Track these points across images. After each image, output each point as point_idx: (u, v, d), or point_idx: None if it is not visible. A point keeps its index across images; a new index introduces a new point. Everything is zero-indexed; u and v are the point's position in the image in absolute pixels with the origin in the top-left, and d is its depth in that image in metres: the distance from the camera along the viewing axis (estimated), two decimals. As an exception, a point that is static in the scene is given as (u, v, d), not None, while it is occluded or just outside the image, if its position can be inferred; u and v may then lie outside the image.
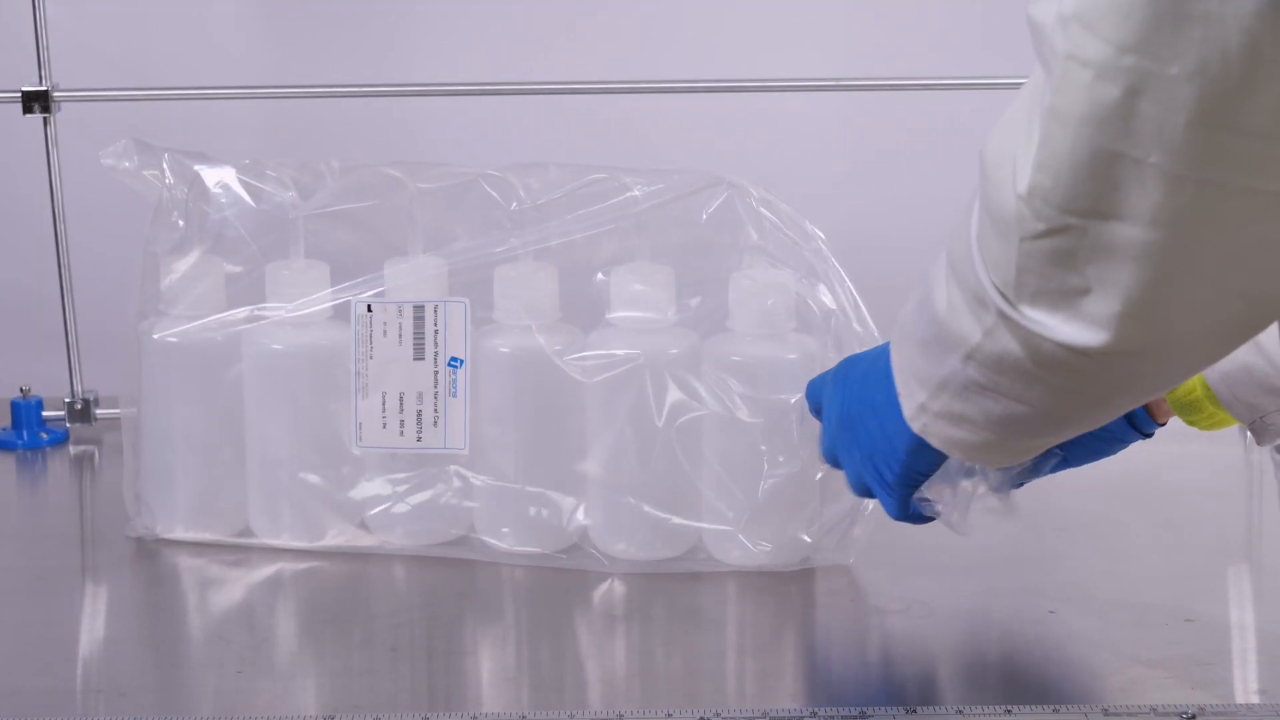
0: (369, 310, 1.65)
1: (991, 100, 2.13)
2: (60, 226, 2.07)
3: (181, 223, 1.70)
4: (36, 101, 2.03)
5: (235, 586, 1.66)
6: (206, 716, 1.39)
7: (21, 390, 2.10)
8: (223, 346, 1.69)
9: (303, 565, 1.69)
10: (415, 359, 1.64)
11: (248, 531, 1.73)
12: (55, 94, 2.04)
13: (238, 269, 1.70)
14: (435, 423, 1.64)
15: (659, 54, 2.36)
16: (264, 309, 1.68)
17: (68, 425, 2.12)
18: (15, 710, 1.39)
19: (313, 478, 1.68)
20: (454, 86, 2.11)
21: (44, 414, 2.11)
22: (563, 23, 2.40)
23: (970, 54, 2.33)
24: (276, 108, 2.35)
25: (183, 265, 1.69)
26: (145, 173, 1.71)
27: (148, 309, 1.72)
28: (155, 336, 1.70)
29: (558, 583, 1.61)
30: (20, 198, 2.35)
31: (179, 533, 1.73)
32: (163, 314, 1.71)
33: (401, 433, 1.65)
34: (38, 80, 2.03)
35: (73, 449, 2.08)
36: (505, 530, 1.66)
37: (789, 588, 1.60)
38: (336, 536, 1.70)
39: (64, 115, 2.05)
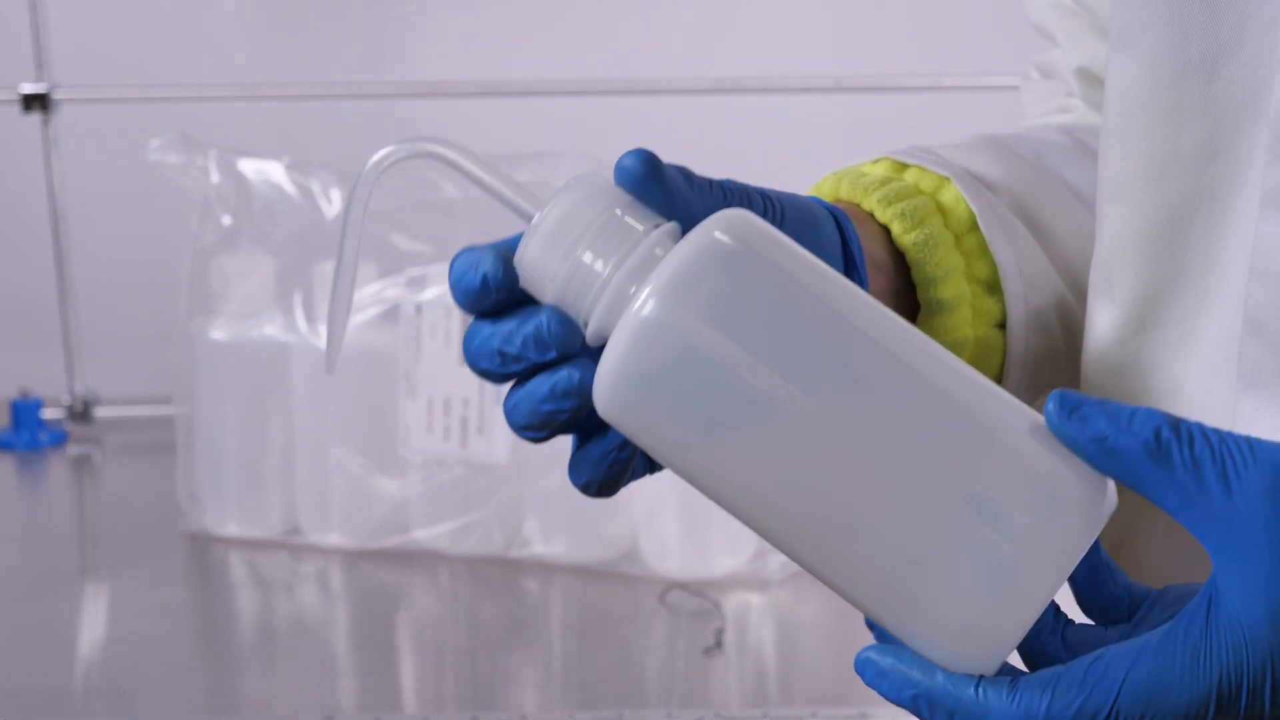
0: (418, 311, 1.65)
1: (996, 100, 2.13)
2: (60, 226, 2.07)
3: (227, 220, 1.70)
4: (36, 102, 2.03)
5: (240, 586, 1.67)
6: (206, 716, 1.39)
7: (22, 390, 2.10)
8: (274, 345, 1.70)
9: (314, 565, 1.69)
10: (461, 364, 1.64)
11: (297, 530, 1.74)
12: (55, 94, 2.04)
13: (285, 266, 1.70)
14: (480, 430, 1.64)
15: (661, 55, 2.37)
16: (313, 308, 1.68)
17: (68, 426, 2.12)
18: (15, 710, 1.39)
19: (361, 478, 1.69)
20: (454, 86, 2.11)
21: (44, 414, 2.11)
22: (564, 23, 2.40)
23: (973, 55, 2.33)
24: (276, 107, 2.35)
25: (232, 264, 1.69)
26: (191, 169, 1.71)
27: (197, 308, 1.72)
28: (207, 335, 1.70)
29: (603, 592, 1.61)
30: (20, 198, 2.36)
31: (231, 529, 1.74)
32: (213, 313, 1.71)
33: (446, 439, 1.65)
34: (38, 80, 2.03)
35: (72, 449, 2.08)
36: (557, 539, 1.66)
37: (788, 588, 1.60)
38: (383, 538, 1.70)
39: (64, 115, 2.05)
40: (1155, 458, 0.63)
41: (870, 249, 0.78)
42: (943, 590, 0.63)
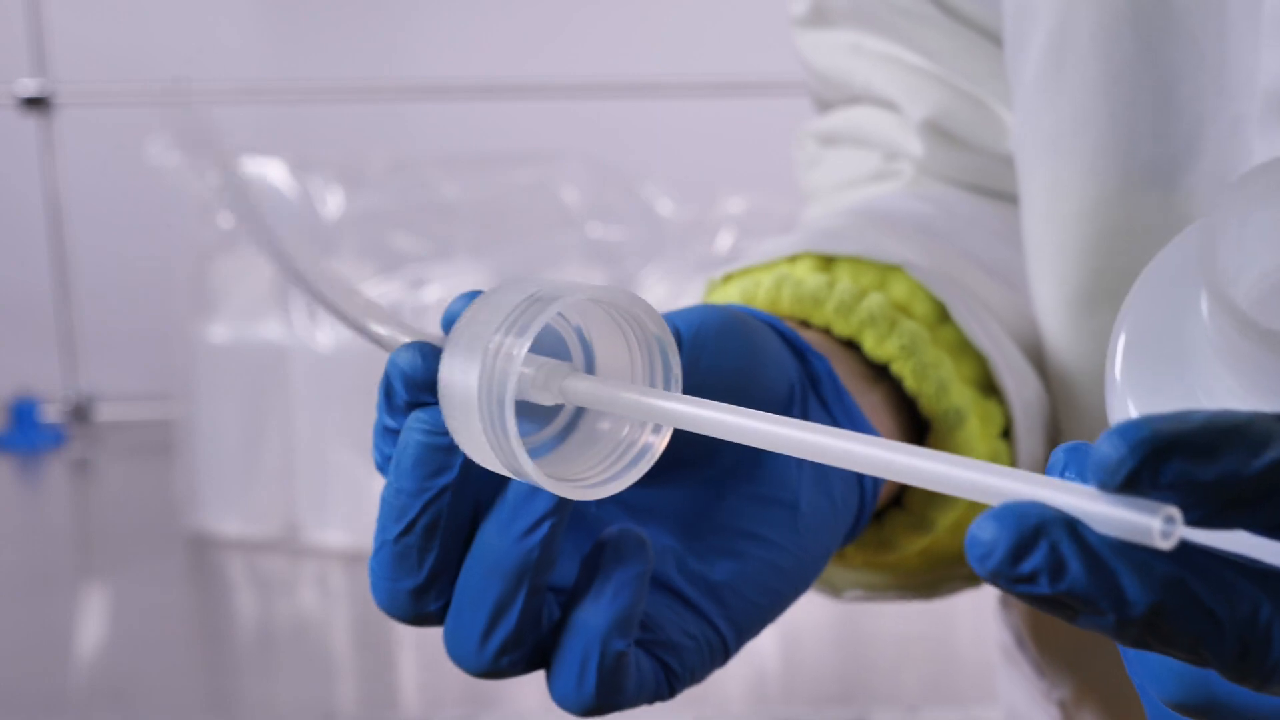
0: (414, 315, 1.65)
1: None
2: (60, 227, 2.07)
3: (227, 221, 1.71)
4: (36, 103, 2.03)
5: (239, 587, 1.67)
6: (206, 716, 1.39)
7: (21, 391, 2.10)
8: (273, 346, 1.70)
9: (314, 565, 1.69)
10: None
11: (297, 529, 1.74)
12: (55, 95, 2.04)
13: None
14: None
15: (662, 55, 2.37)
16: (313, 308, 1.69)
17: (66, 427, 2.12)
18: (15, 710, 1.39)
19: (361, 478, 1.69)
20: (455, 86, 2.11)
21: (43, 415, 2.11)
22: (566, 24, 2.40)
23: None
24: (276, 107, 2.35)
25: (232, 264, 1.70)
26: (190, 169, 1.71)
27: (197, 308, 1.73)
28: (206, 337, 1.71)
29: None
30: (20, 198, 2.36)
31: (231, 529, 1.74)
32: (213, 313, 1.72)
33: None
34: (38, 80, 2.03)
35: (71, 450, 2.08)
36: None
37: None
38: None
39: (64, 116, 2.05)
40: None
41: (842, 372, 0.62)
42: None
